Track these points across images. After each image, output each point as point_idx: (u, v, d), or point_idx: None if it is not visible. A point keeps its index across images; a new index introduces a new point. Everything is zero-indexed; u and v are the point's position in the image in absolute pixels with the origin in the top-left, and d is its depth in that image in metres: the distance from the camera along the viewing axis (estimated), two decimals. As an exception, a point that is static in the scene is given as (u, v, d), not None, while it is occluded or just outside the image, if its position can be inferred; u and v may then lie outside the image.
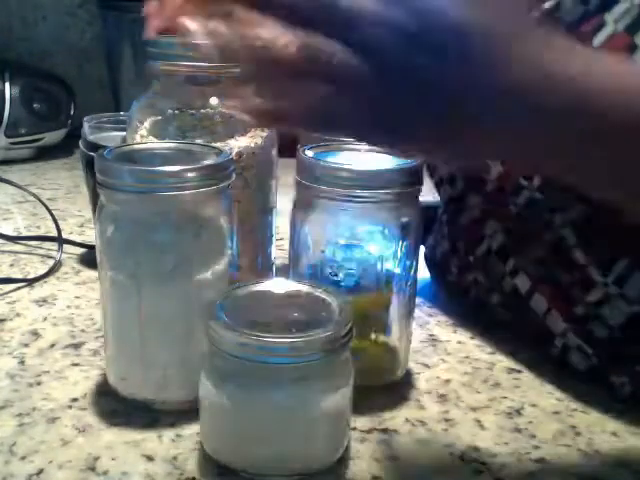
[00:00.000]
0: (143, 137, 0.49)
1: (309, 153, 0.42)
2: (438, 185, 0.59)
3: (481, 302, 0.56)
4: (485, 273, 0.53)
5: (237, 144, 0.48)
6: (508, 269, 0.50)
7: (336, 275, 0.42)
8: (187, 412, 0.41)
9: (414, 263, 0.44)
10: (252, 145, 0.49)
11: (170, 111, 0.49)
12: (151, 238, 0.39)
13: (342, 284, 0.42)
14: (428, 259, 0.68)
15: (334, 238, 0.41)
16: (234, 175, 0.41)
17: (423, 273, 0.66)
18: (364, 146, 0.44)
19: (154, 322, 0.40)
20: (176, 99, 0.49)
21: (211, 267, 0.40)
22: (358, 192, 0.39)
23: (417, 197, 0.42)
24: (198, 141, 0.46)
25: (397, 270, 0.43)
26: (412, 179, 0.41)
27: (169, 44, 0.47)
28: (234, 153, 0.47)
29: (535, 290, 0.48)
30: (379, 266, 0.42)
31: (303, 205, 0.42)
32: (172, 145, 0.44)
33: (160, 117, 0.49)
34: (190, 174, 0.38)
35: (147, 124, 0.49)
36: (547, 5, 0.47)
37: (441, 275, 0.64)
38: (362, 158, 0.43)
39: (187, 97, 0.49)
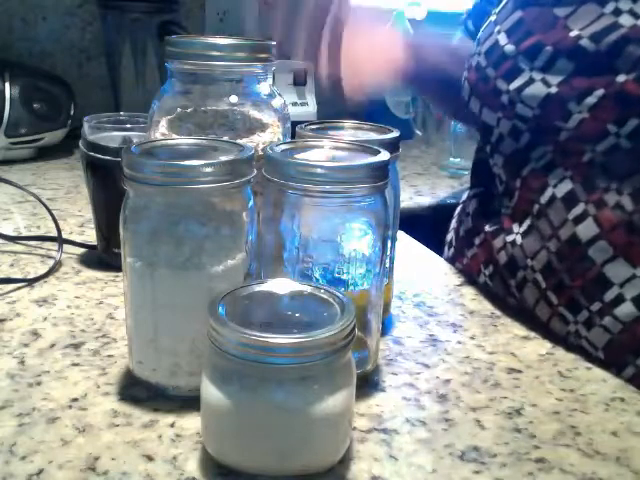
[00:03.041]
0: (164, 135, 0.49)
1: (277, 150, 0.43)
2: (493, 144, 0.59)
3: (510, 267, 0.57)
4: (547, 221, 0.53)
5: (260, 140, 0.49)
6: (572, 216, 0.51)
7: (311, 271, 0.42)
8: (187, 412, 0.41)
9: (385, 256, 0.44)
10: (275, 140, 0.50)
11: (186, 110, 0.49)
12: (171, 229, 0.40)
13: (318, 280, 0.42)
14: (448, 242, 0.70)
15: (307, 234, 0.42)
16: (255, 171, 0.42)
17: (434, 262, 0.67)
18: (329, 143, 0.46)
19: (167, 310, 0.41)
20: (194, 98, 0.49)
21: (227, 261, 0.41)
22: (329, 188, 0.39)
23: (384, 191, 0.43)
24: (224, 138, 0.47)
25: (369, 263, 0.43)
26: (380, 174, 0.41)
27: (188, 43, 0.48)
28: (259, 149, 0.48)
29: (601, 237, 0.49)
30: (352, 260, 0.42)
31: (273, 203, 0.42)
32: (197, 141, 0.45)
33: (177, 115, 0.49)
34: (212, 169, 0.39)
35: (165, 122, 0.49)
36: None
37: (461, 253, 0.65)
38: (329, 154, 0.45)
39: (204, 96, 0.49)
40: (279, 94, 0.52)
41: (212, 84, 0.49)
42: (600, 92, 0.49)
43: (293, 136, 0.51)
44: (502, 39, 0.56)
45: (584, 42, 0.50)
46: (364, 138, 0.49)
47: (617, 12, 0.48)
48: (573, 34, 0.50)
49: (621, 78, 0.48)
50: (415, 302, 0.60)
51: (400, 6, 1.40)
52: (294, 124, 0.51)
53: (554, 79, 0.51)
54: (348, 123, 0.54)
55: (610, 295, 0.49)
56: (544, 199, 0.53)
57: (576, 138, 0.51)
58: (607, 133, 0.49)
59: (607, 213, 0.49)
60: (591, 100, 0.49)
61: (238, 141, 0.46)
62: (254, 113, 0.50)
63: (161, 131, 0.50)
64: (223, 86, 0.49)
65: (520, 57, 0.54)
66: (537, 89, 0.52)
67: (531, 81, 0.53)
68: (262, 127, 0.50)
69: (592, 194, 0.50)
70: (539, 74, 0.52)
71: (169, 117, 0.50)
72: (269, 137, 0.50)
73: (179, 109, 0.50)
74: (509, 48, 0.55)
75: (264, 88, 0.51)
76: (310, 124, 0.52)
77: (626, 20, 0.48)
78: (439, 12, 1.49)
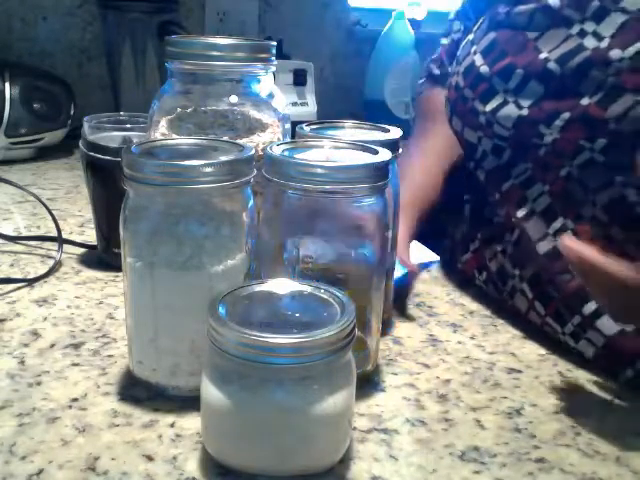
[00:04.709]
0: (164, 135, 0.49)
1: (277, 150, 0.42)
2: (477, 161, 0.59)
3: (501, 276, 0.57)
4: (528, 235, 0.53)
5: (260, 140, 0.49)
6: (552, 230, 0.51)
7: (311, 271, 0.42)
8: (187, 412, 0.41)
9: (385, 256, 0.44)
10: (275, 140, 0.50)
11: (186, 110, 0.49)
12: (172, 229, 0.40)
13: (317, 280, 0.42)
14: (444, 246, 0.70)
15: (306, 234, 0.42)
16: (255, 171, 0.42)
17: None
18: (329, 143, 0.46)
19: (167, 310, 0.41)
20: (194, 98, 0.49)
21: (227, 261, 0.41)
22: (329, 188, 0.39)
23: (384, 191, 0.42)
24: (224, 138, 0.47)
25: (369, 263, 0.43)
26: (380, 174, 0.41)
27: (188, 43, 0.48)
28: (259, 149, 0.48)
29: None
30: (353, 260, 0.42)
31: (273, 203, 0.42)
32: (197, 141, 0.45)
33: (177, 115, 0.49)
34: (212, 169, 0.39)
35: (165, 122, 0.49)
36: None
37: (455, 257, 0.65)
38: (328, 154, 0.45)
39: (204, 96, 0.49)
40: (279, 94, 0.52)
41: (212, 84, 0.49)
42: (566, 115, 0.48)
43: (293, 136, 0.51)
44: (478, 60, 0.56)
45: (551, 65, 0.49)
46: (364, 138, 0.49)
47: (582, 34, 0.48)
48: (542, 56, 0.50)
49: (585, 101, 0.47)
50: (415, 302, 0.60)
51: (400, 6, 1.40)
52: (294, 124, 0.51)
53: (525, 101, 0.51)
54: (348, 123, 0.53)
55: (589, 308, 0.49)
56: (522, 213, 0.54)
57: (553, 153, 0.50)
58: (582, 148, 0.48)
59: (584, 226, 0.49)
60: (559, 123, 0.49)
61: (238, 141, 0.46)
62: (254, 113, 0.50)
63: (161, 131, 0.50)
64: (223, 86, 0.49)
65: (495, 79, 0.54)
66: (510, 111, 0.52)
67: (505, 103, 0.53)
68: (262, 127, 0.50)
69: (570, 208, 0.50)
70: (512, 96, 0.52)
71: (169, 117, 0.50)
72: (269, 137, 0.50)
73: (179, 109, 0.50)
74: (484, 69, 0.55)
75: (264, 88, 0.51)
76: (310, 124, 0.52)
77: (590, 42, 0.48)
78: (439, 12, 1.49)
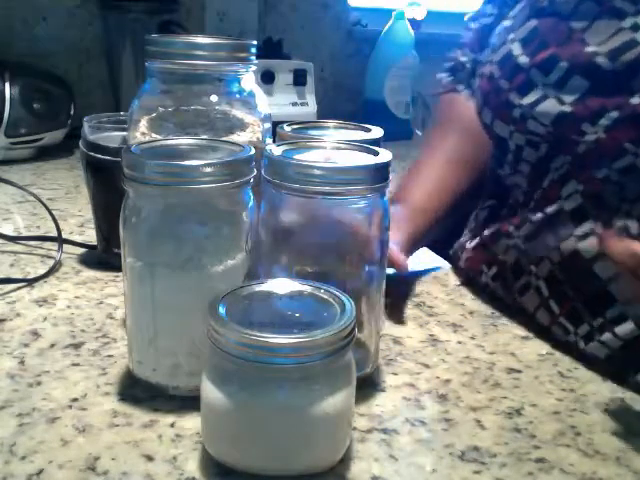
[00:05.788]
0: (144, 134, 0.49)
1: (277, 151, 0.42)
2: (514, 153, 0.56)
3: (515, 272, 0.55)
4: (552, 232, 0.52)
5: (239, 139, 0.49)
6: (579, 232, 0.49)
7: (309, 272, 0.42)
8: (187, 412, 0.41)
9: (383, 257, 0.44)
10: (254, 139, 0.49)
11: (167, 109, 0.49)
12: (172, 229, 0.40)
13: (316, 280, 0.42)
14: (441, 245, 0.69)
15: (306, 235, 0.42)
16: (255, 170, 0.42)
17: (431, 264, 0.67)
18: (330, 143, 0.46)
19: (166, 310, 0.41)
20: (174, 97, 0.49)
21: (227, 261, 0.41)
22: (328, 189, 0.39)
23: (384, 192, 0.42)
24: (204, 137, 0.47)
25: (368, 264, 0.43)
26: (381, 175, 0.41)
27: (168, 42, 0.48)
28: None
29: (605, 255, 0.46)
30: (351, 261, 0.42)
31: (272, 203, 0.42)
32: (197, 141, 0.45)
33: (158, 114, 0.49)
34: (212, 169, 0.39)
35: (145, 121, 0.49)
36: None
37: (457, 255, 0.65)
38: (329, 155, 0.44)
39: (185, 95, 0.49)
40: (261, 93, 0.52)
41: (193, 83, 0.49)
42: (614, 114, 0.46)
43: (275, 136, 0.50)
44: (516, 49, 0.53)
45: (600, 59, 0.47)
46: (344, 138, 0.48)
47: (635, 28, 0.46)
48: (589, 49, 0.48)
49: (636, 100, 0.45)
50: (415, 302, 0.60)
51: (400, 6, 1.40)
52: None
53: (568, 97, 0.48)
54: (331, 123, 0.52)
55: (613, 312, 0.48)
56: (552, 210, 0.52)
57: (595, 152, 0.48)
58: (625, 152, 0.47)
59: (612, 233, 0.47)
60: (605, 122, 0.47)
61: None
62: (235, 112, 0.50)
63: (141, 130, 0.49)
64: (204, 85, 0.49)
65: (534, 70, 0.51)
66: (550, 106, 0.49)
67: (544, 97, 0.50)
68: (242, 126, 0.49)
69: (601, 212, 0.48)
70: (552, 91, 0.49)
71: (149, 116, 0.49)
72: (248, 137, 0.49)
73: (160, 108, 0.49)
74: (523, 60, 0.52)
75: (245, 87, 0.51)
76: (291, 124, 0.51)
77: None
78: (439, 12, 1.49)
